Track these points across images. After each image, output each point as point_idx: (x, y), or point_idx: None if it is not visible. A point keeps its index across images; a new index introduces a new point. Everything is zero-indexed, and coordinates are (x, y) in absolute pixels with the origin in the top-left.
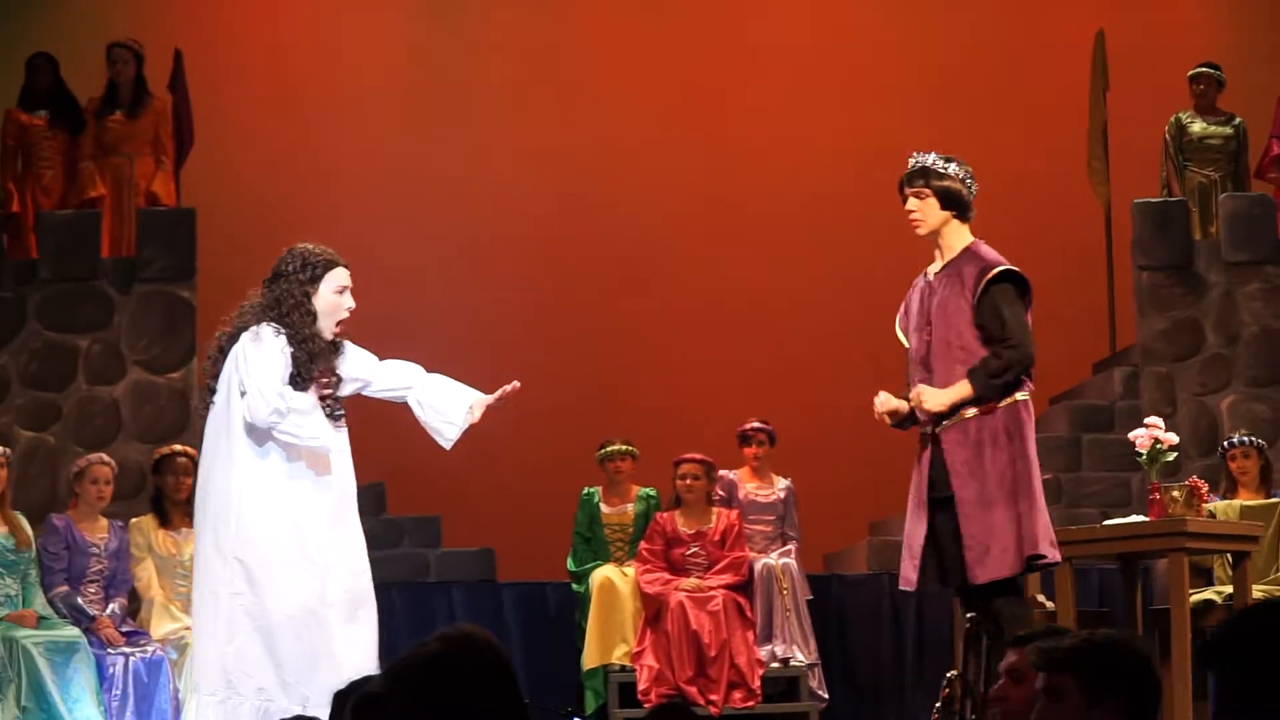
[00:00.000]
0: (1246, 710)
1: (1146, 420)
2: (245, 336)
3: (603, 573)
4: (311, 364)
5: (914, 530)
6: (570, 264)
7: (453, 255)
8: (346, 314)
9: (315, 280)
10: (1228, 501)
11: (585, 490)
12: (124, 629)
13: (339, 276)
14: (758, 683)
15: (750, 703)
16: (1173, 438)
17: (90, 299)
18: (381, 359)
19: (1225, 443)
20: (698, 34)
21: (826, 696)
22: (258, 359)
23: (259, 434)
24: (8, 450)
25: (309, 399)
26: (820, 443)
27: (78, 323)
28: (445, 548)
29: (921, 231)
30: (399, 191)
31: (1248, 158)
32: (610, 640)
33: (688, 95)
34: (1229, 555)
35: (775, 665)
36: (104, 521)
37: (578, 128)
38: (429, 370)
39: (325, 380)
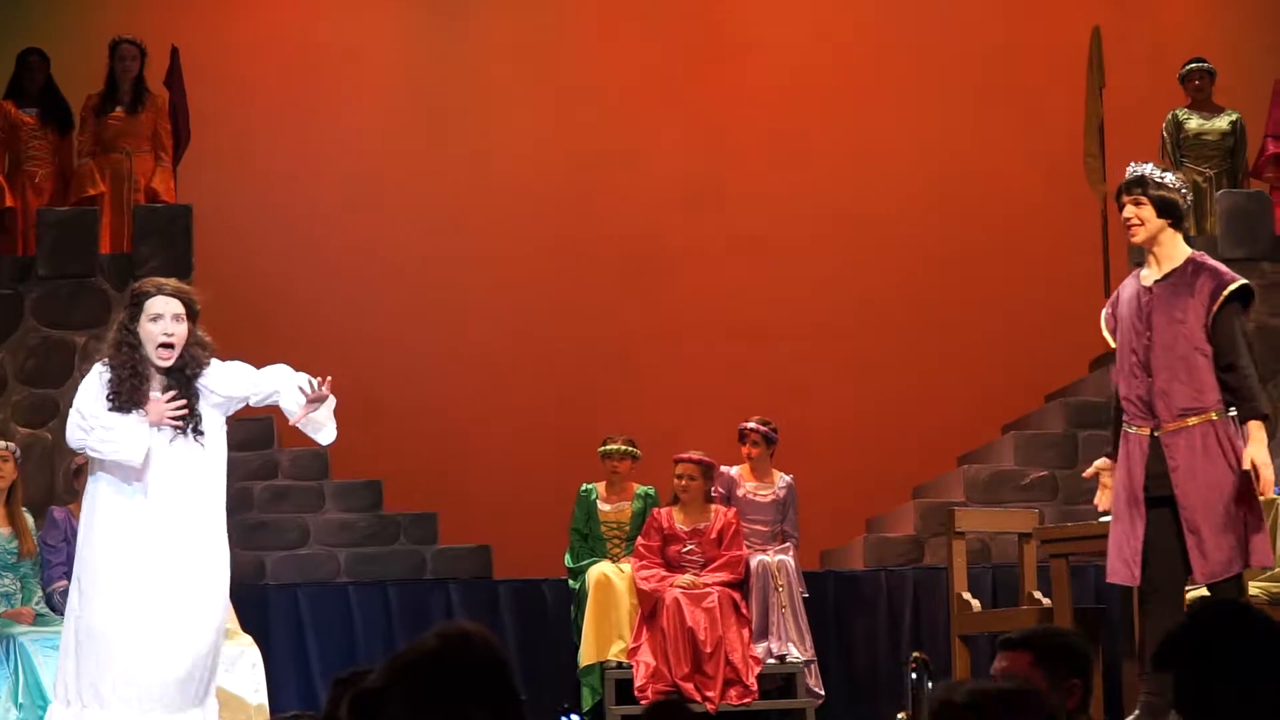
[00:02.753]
0: (1205, 709)
1: None
2: None
3: (599, 569)
4: (128, 389)
5: (1131, 528)
6: (572, 263)
7: (451, 252)
8: (164, 338)
9: (135, 316)
10: None
11: (584, 487)
12: None
13: (152, 306)
14: (754, 679)
15: (746, 699)
16: None
17: (87, 296)
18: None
19: None
20: (695, 36)
21: (823, 693)
22: (80, 391)
23: (94, 460)
24: (12, 445)
25: (122, 419)
26: (818, 441)
27: (75, 319)
28: (442, 544)
29: (1139, 239)
30: (397, 188)
31: (1245, 153)
32: (607, 637)
33: (686, 97)
34: None
35: (771, 662)
36: None
37: (580, 130)
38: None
39: (174, 403)
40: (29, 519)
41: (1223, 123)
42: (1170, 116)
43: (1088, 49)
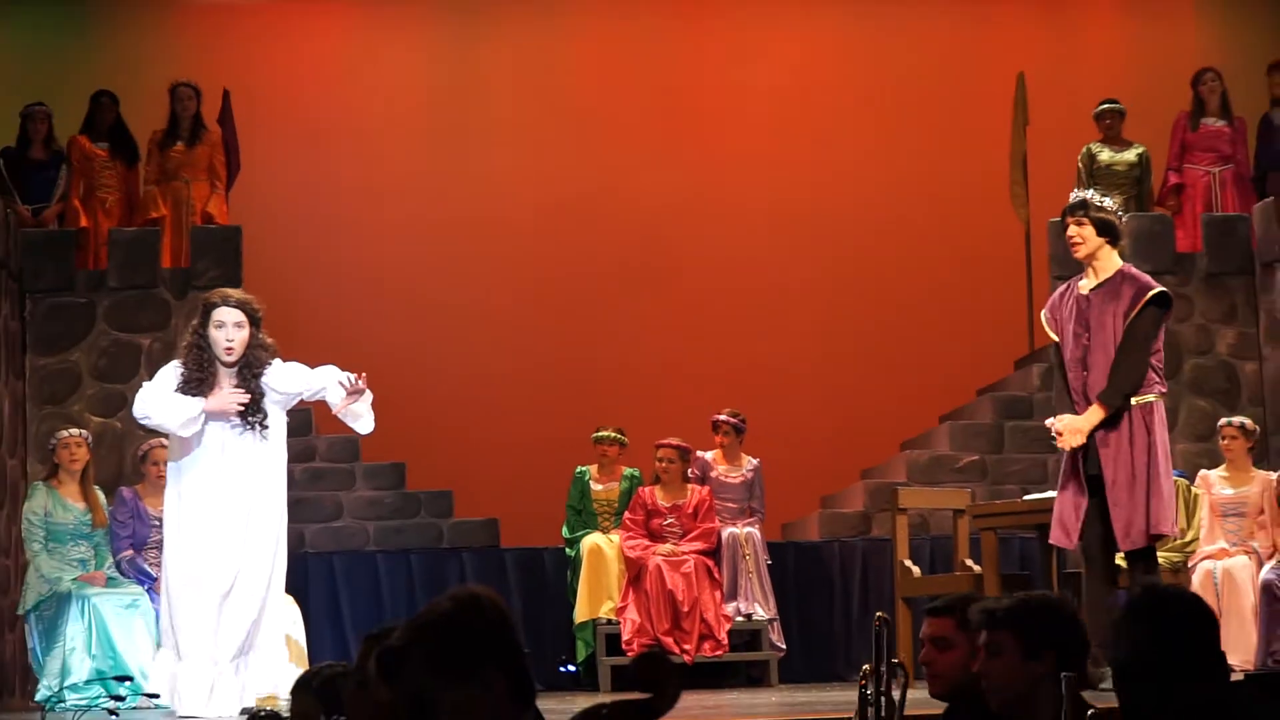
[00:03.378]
0: (1145, 686)
1: None
2: None
3: (592, 540)
4: (195, 383)
5: (1073, 499)
6: (571, 272)
7: (467, 264)
8: (227, 344)
9: (204, 324)
10: None
11: (578, 469)
12: None
13: (215, 315)
14: (725, 635)
15: (718, 652)
16: None
17: (151, 304)
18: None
19: None
20: (689, 73)
21: (784, 647)
22: (155, 377)
23: (175, 447)
24: (85, 432)
25: (180, 397)
26: (779, 427)
27: (140, 324)
28: (457, 518)
29: (1080, 254)
30: (419, 207)
31: (1150, 181)
32: (598, 598)
33: (678, 125)
34: None
35: (740, 620)
36: None
37: (581, 153)
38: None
39: (241, 396)
40: (100, 495)
41: (1131, 155)
42: (1085, 150)
43: (1014, 92)
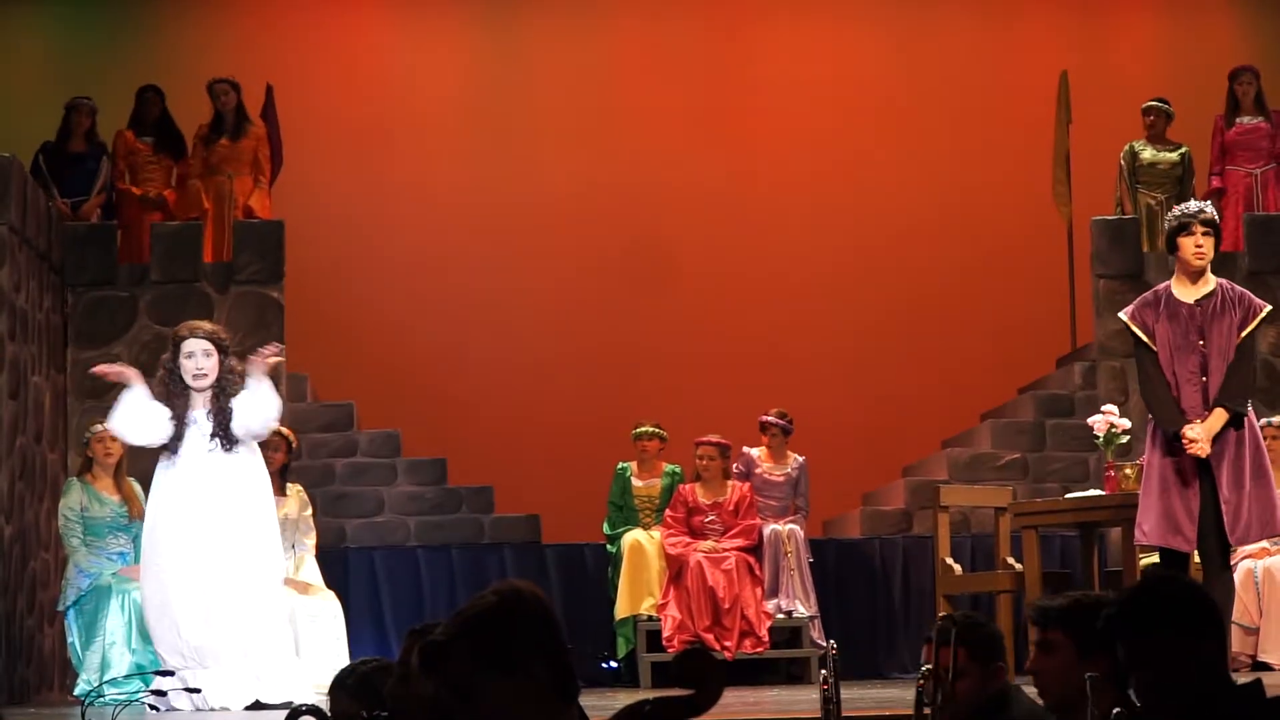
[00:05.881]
0: (1150, 672)
1: (1103, 408)
2: None
3: (633, 536)
4: (167, 409)
5: (1189, 504)
6: (612, 267)
7: (508, 259)
8: (195, 370)
9: (175, 356)
10: None
11: (619, 465)
12: None
13: (183, 347)
14: (765, 631)
15: (759, 649)
16: (1125, 423)
17: (193, 298)
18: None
19: None
20: (718, 68)
21: (825, 644)
22: None
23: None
24: None
25: (149, 409)
26: (821, 425)
27: (182, 318)
28: (498, 513)
29: (1204, 263)
30: (457, 201)
31: (1193, 181)
32: (639, 594)
33: (719, 120)
34: None
35: (781, 616)
36: None
37: (623, 147)
38: None
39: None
40: (136, 486)
41: (1173, 154)
42: (1127, 147)
43: (1057, 90)
